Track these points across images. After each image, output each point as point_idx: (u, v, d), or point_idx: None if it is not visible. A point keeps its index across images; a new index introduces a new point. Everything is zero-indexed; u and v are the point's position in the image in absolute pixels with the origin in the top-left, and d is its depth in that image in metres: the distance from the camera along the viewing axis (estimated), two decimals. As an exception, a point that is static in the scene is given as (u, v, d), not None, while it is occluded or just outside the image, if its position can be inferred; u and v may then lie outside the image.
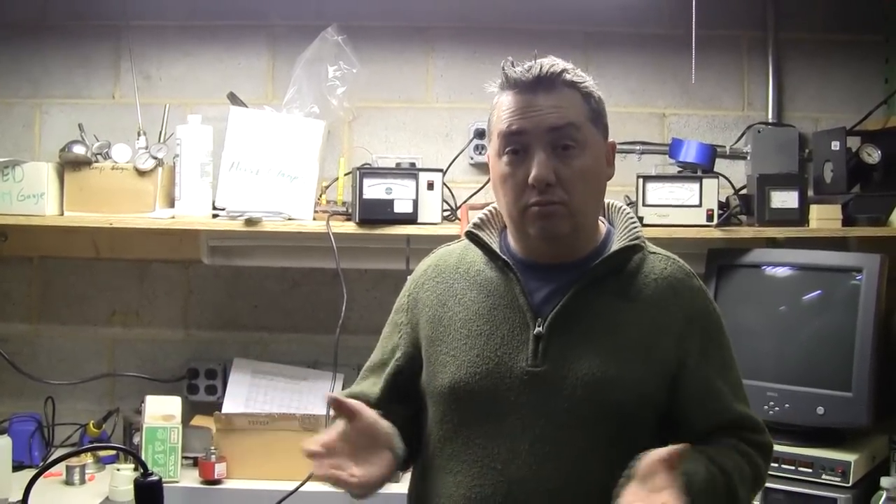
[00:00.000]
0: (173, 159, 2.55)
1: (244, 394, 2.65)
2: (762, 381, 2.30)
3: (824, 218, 2.52)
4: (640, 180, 2.55)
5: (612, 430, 1.42)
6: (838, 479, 2.18)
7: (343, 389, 2.13)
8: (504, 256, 1.51)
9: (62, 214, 2.55)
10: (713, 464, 1.41)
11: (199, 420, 2.63)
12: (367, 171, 2.52)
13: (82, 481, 2.45)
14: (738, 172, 2.74)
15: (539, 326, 1.45)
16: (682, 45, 2.60)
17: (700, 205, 2.53)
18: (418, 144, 2.82)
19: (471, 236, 1.56)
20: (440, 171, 2.57)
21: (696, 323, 1.49)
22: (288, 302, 2.82)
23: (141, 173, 2.54)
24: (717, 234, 2.53)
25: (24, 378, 2.69)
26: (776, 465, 2.20)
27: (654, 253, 1.54)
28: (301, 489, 2.34)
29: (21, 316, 2.82)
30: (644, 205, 2.53)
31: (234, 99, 2.64)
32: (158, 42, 2.80)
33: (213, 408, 2.62)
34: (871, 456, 2.28)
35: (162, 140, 2.61)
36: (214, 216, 2.55)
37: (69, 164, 2.54)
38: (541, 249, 1.50)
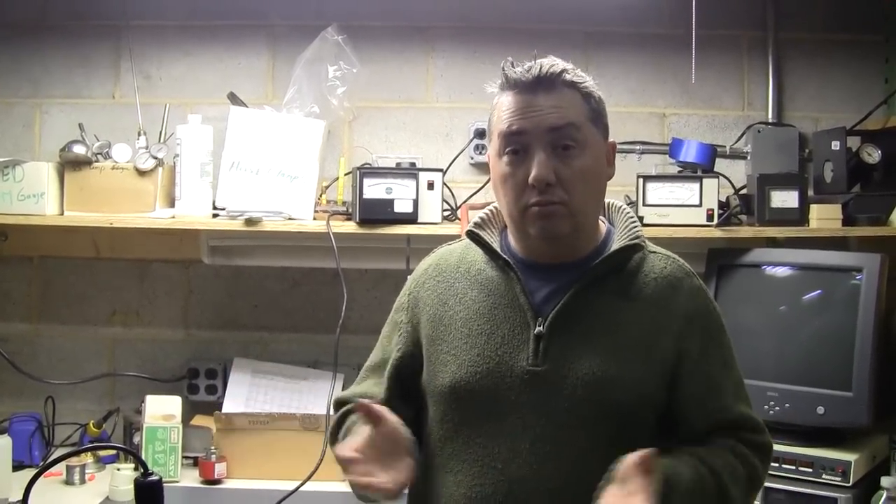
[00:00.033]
0: (173, 159, 2.55)
1: (244, 393, 2.64)
2: (762, 381, 2.30)
3: (824, 218, 2.52)
4: (641, 180, 2.55)
5: (613, 430, 1.42)
6: (838, 479, 2.18)
7: (343, 389, 2.14)
8: (505, 256, 1.52)
9: (62, 214, 2.55)
10: (703, 464, 1.41)
11: (199, 420, 2.64)
12: (367, 171, 2.51)
13: (82, 481, 2.45)
14: (738, 172, 2.74)
15: (540, 326, 1.45)
16: (682, 45, 2.60)
17: (700, 204, 2.53)
18: (418, 144, 2.82)
19: (472, 236, 1.56)
20: (440, 170, 2.57)
21: (697, 322, 1.49)
22: (288, 302, 2.82)
23: (141, 173, 2.54)
24: (717, 233, 2.53)
25: (24, 378, 2.69)
26: (776, 464, 2.20)
27: (654, 252, 1.54)
28: (301, 489, 2.34)
29: (21, 316, 2.82)
30: (644, 204, 2.53)
31: (234, 99, 2.64)
32: (158, 42, 2.80)
33: (213, 407, 2.62)
34: (871, 455, 2.28)
35: (162, 140, 2.61)
36: (214, 216, 2.55)
37: (69, 164, 2.54)
38: (541, 249, 1.50)
